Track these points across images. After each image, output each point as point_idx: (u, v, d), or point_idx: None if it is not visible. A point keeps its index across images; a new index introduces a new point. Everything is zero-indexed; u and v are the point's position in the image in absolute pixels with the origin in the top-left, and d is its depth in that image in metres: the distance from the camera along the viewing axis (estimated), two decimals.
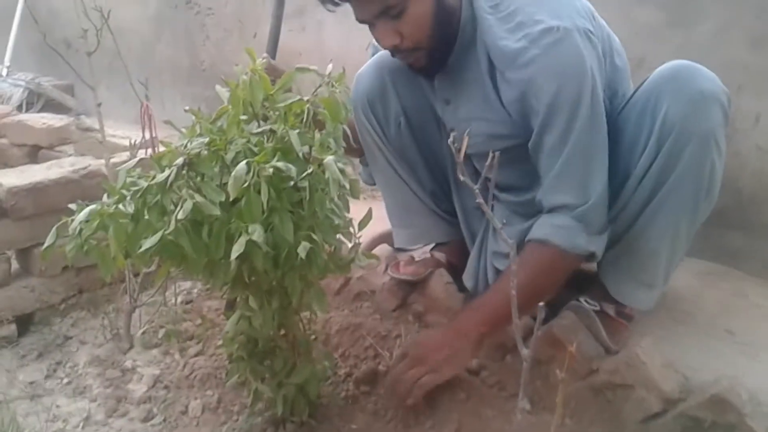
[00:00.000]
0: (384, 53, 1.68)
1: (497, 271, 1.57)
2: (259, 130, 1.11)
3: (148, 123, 1.73)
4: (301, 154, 1.08)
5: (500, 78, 1.40)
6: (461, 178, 0.88)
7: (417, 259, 1.80)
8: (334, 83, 1.14)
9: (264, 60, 1.40)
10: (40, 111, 3.75)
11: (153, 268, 1.62)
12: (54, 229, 1.13)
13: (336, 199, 1.12)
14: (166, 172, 1.04)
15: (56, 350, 1.82)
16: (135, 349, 1.78)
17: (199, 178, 1.06)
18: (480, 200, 0.88)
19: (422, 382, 1.35)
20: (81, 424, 1.52)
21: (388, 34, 1.38)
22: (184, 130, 1.16)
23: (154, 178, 1.06)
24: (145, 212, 1.06)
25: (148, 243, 1.03)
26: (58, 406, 1.57)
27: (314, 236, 1.09)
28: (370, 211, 1.24)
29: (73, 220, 1.09)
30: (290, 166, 1.03)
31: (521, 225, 1.49)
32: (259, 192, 1.01)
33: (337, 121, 1.15)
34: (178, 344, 1.77)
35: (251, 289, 1.22)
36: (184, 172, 1.04)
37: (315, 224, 1.11)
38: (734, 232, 1.87)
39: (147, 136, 1.77)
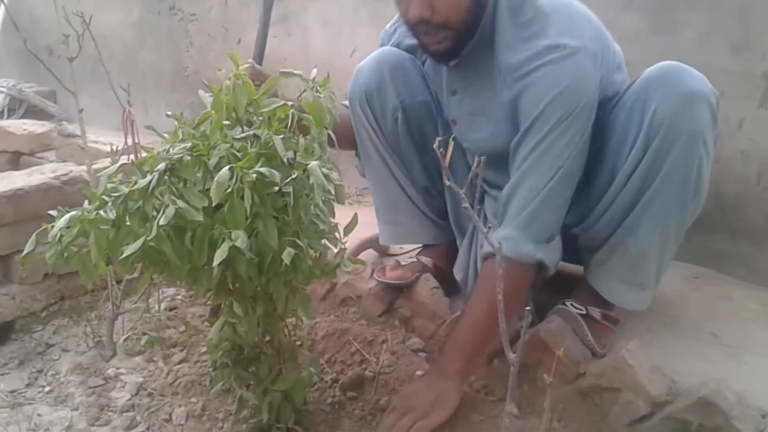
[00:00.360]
0: (385, 49, 1.68)
1: None
2: (243, 135, 1.10)
3: (130, 129, 1.72)
4: (285, 159, 1.07)
5: (502, 83, 1.43)
6: (447, 182, 0.88)
7: (403, 263, 1.80)
8: (318, 88, 1.14)
9: (248, 65, 1.39)
10: (21, 117, 3.72)
11: (136, 274, 1.61)
12: (34, 235, 1.11)
13: (321, 204, 1.11)
14: (148, 177, 1.03)
15: (38, 358, 1.79)
16: (118, 357, 1.76)
17: (181, 184, 1.05)
18: (466, 205, 0.88)
19: (415, 428, 1.33)
20: None
21: (422, 5, 1.37)
22: (166, 135, 1.14)
23: (135, 183, 1.05)
24: (127, 218, 1.05)
25: (129, 249, 1.02)
26: (39, 415, 1.55)
27: (299, 242, 1.08)
28: (355, 216, 1.23)
29: (53, 227, 1.08)
30: (274, 171, 1.02)
31: None
32: (242, 197, 1.00)
33: (321, 126, 1.14)
34: (161, 351, 1.75)
35: (235, 296, 1.21)
36: (166, 177, 1.03)
37: (300, 230, 1.10)
38: (718, 235, 1.89)
39: (129, 142, 1.75)
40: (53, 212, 1.11)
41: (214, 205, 1.02)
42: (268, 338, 1.32)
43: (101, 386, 1.64)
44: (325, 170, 1.07)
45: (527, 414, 1.42)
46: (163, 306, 1.95)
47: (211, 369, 1.48)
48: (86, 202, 1.13)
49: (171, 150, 1.07)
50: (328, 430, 1.44)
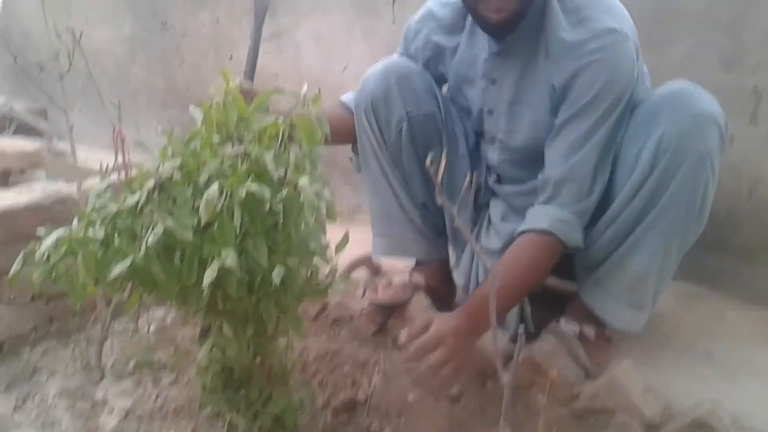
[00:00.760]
0: (393, 59, 1.69)
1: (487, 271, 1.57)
2: (233, 152, 1.09)
3: (120, 146, 1.70)
4: (275, 177, 1.05)
5: (554, 66, 1.44)
6: (439, 201, 0.88)
7: (396, 283, 1.78)
8: (310, 104, 1.13)
9: (239, 81, 1.38)
10: (12, 135, 3.69)
11: (125, 295, 1.59)
12: (21, 255, 1.09)
13: (312, 222, 1.10)
14: (137, 195, 1.02)
15: (25, 382, 1.76)
16: (106, 380, 1.73)
17: (171, 202, 1.04)
18: (459, 224, 0.87)
19: (443, 375, 1.32)
20: None
21: None
22: (157, 152, 1.13)
23: (124, 201, 1.03)
24: (116, 237, 1.03)
25: (117, 269, 1.00)
26: None
27: (289, 261, 1.06)
28: (347, 235, 1.22)
29: (40, 246, 1.06)
30: (264, 188, 1.01)
31: (516, 224, 1.51)
32: (232, 216, 0.98)
33: (312, 142, 1.13)
34: (150, 374, 1.72)
35: (225, 316, 1.19)
36: (155, 195, 1.02)
37: (290, 248, 1.09)
38: (711, 252, 1.88)
39: (120, 160, 1.74)
40: (40, 231, 1.10)
41: (203, 223, 1.00)
42: (258, 360, 1.30)
43: (89, 410, 1.61)
44: (316, 188, 1.06)
45: None
46: (152, 327, 1.93)
47: (200, 392, 1.45)
48: (75, 220, 1.11)
49: (160, 167, 1.06)
50: None
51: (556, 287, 1.70)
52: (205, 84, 3.18)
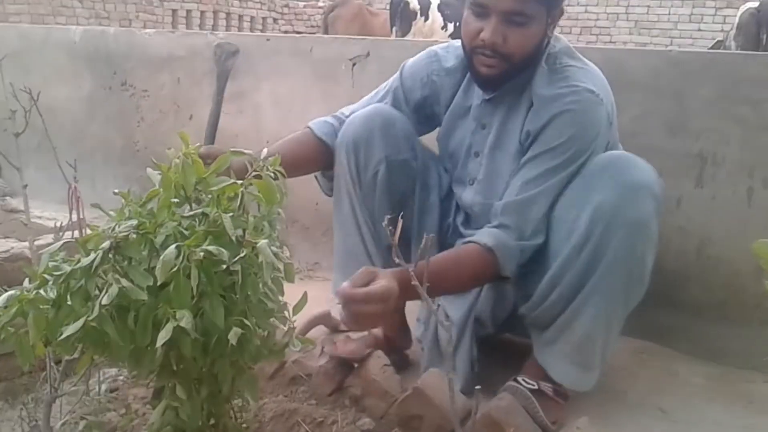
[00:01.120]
0: (379, 105, 1.76)
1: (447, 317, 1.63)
2: (191, 213, 1.10)
3: (75, 205, 1.69)
4: (234, 238, 1.06)
5: (533, 116, 1.53)
6: (396, 260, 0.89)
7: (354, 338, 1.78)
8: (269, 167, 1.14)
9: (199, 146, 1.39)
10: None
11: (76, 355, 1.55)
12: None
13: (270, 282, 1.10)
14: (92, 255, 1.01)
15: None
16: None
17: (126, 262, 1.03)
18: (415, 283, 0.89)
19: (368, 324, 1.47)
20: None
21: (497, 32, 1.47)
22: (112, 212, 1.13)
23: (78, 262, 1.02)
24: (68, 297, 1.02)
25: (69, 330, 0.98)
26: None
27: (246, 321, 1.06)
28: (305, 295, 1.22)
29: None
30: (222, 249, 1.01)
31: None
32: (189, 276, 0.98)
33: (271, 204, 1.14)
34: None
35: (179, 377, 1.17)
36: (110, 255, 1.01)
37: (248, 308, 1.08)
38: (661, 309, 1.93)
39: (74, 218, 1.72)
40: None
41: (159, 284, 1.00)
42: (212, 422, 1.28)
43: None
44: (274, 249, 1.07)
45: None
46: (103, 388, 1.87)
47: None
48: (26, 280, 1.09)
49: (117, 228, 1.05)
50: None
51: (513, 342, 1.72)
52: (163, 143, 3.18)
